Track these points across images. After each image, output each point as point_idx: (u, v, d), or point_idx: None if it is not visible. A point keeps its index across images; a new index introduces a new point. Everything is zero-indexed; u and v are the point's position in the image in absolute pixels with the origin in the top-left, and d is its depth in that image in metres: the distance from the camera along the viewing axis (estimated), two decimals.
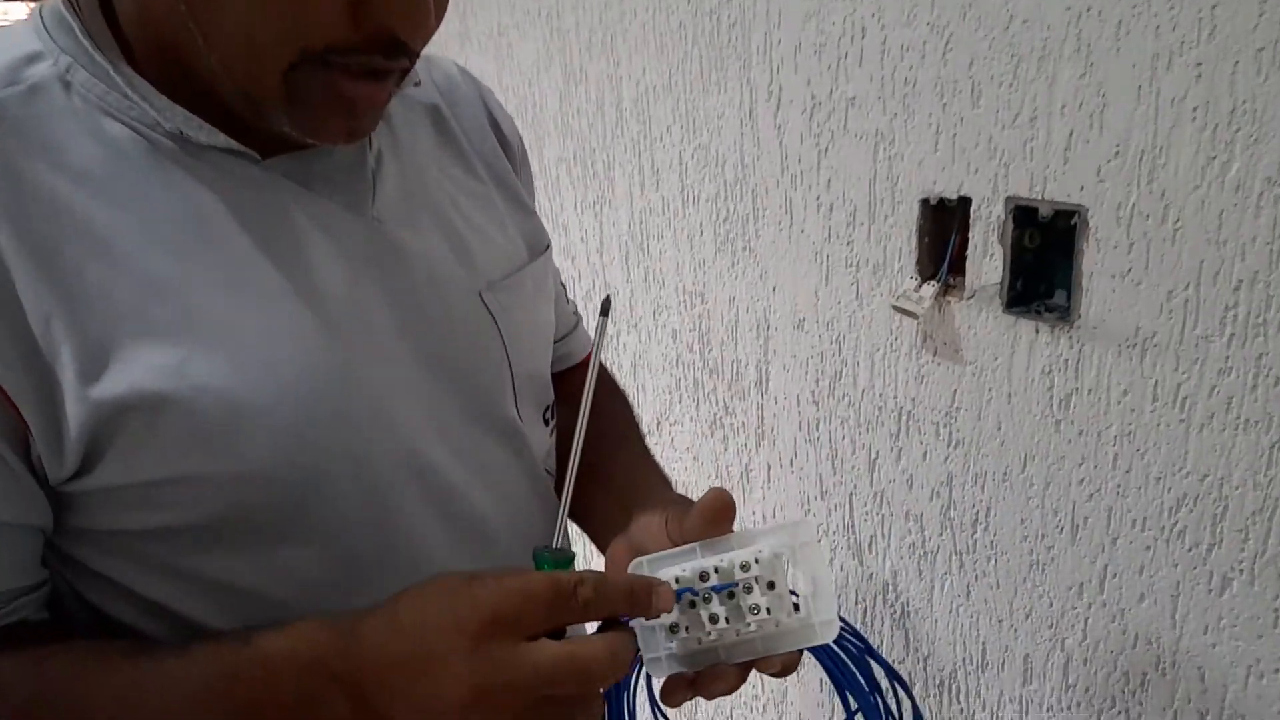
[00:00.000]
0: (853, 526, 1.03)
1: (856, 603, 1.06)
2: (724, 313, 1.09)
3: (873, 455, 0.99)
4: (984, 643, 0.95)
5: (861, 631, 1.04)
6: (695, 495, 0.75)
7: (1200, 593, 0.78)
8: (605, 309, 0.54)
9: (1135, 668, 0.85)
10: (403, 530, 0.53)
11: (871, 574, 1.04)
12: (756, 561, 0.48)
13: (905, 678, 1.04)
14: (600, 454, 0.69)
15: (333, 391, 0.49)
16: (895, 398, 0.94)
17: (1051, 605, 0.89)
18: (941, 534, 0.95)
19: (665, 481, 0.67)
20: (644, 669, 0.51)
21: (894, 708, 0.54)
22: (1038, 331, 0.82)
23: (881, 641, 1.04)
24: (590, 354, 0.77)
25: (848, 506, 1.03)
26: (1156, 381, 0.76)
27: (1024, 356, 0.83)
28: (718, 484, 1.18)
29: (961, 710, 1.01)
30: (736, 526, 0.52)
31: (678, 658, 0.50)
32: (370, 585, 0.53)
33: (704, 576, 0.49)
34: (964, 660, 0.98)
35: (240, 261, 0.49)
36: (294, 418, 0.47)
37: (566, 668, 0.42)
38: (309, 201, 0.52)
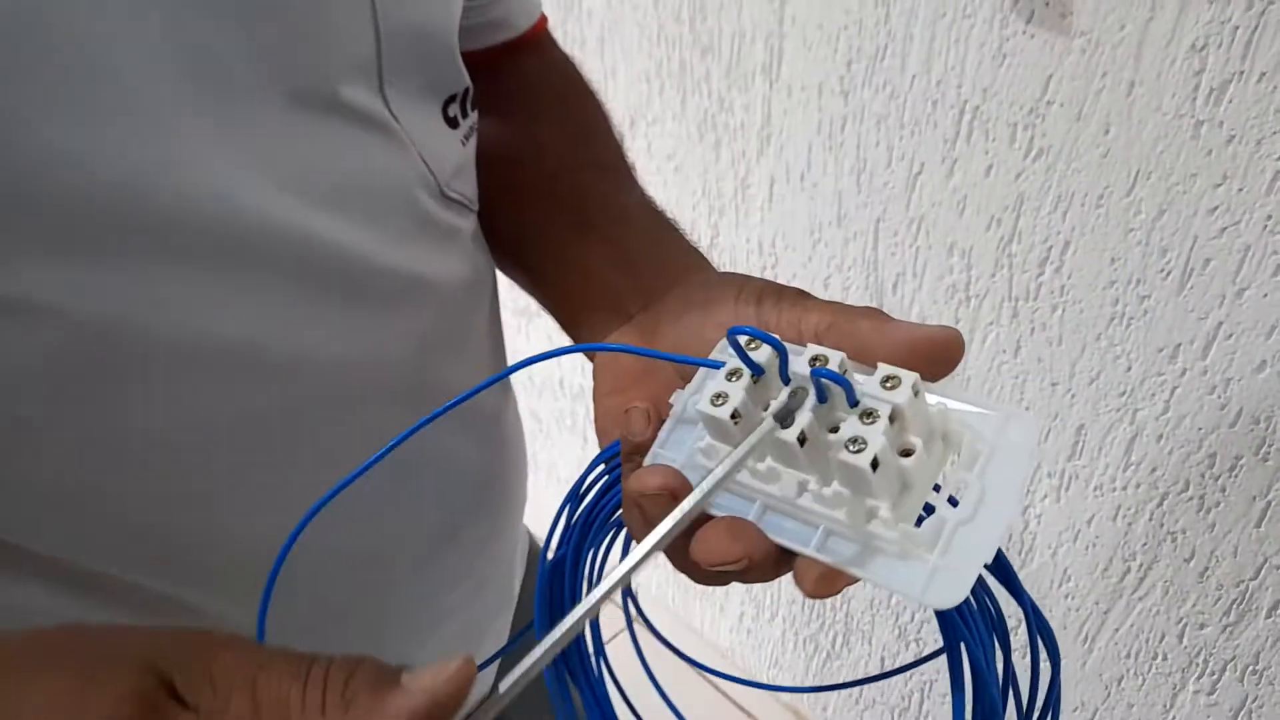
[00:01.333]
0: (875, 262, 0.81)
1: None
2: None
3: (915, 168, 0.74)
4: (1028, 406, 0.77)
5: None
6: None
7: None
8: None
9: (1227, 450, 0.67)
10: (174, 302, 0.30)
11: None
12: (915, 391, 0.27)
13: None
14: (593, 192, 0.44)
15: None
16: (960, 87, 0.68)
17: (1130, 369, 0.69)
18: (995, 274, 0.73)
19: (698, 251, 0.43)
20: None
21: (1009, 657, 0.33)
22: None
23: None
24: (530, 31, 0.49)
25: (872, 235, 0.80)
26: None
27: (1168, 22, 0.57)
28: (703, 201, 0.94)
29: None
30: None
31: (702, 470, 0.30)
32: (124, 380, 0.31)
33: (817, 360, 0.28)
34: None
35: None
36: None
37: None
38: None
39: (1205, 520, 0.70)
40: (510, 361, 0.49)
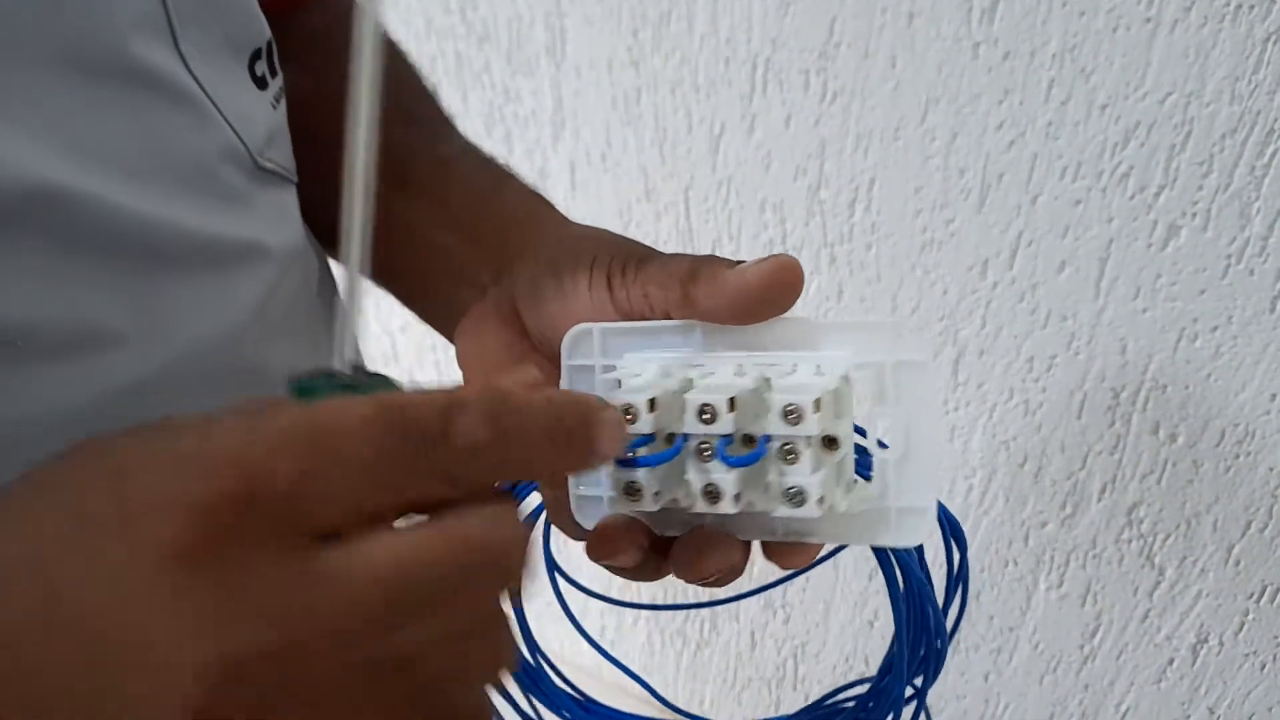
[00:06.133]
0: (690, 231, 0.80)
1: None
2: None
3: (716, 130, 0.74)
4: None
5: None
6: None
7: (1138, 249, 0.64)
8: None
9: (1042, 351, 0.71)
10: None
11: None
12: (816, 407, 0.25)
13: None
14: (402, 146, 0.39)
15: None
16: (749, 42, 0.69)
17: (946, 292, 0.72)
18: (808, 223, 0.75)
19: (542, 200, 0.40)
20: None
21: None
22: None
23: None
24: None
25: (683, 205, 0.79)
26: None
27: None
28: None
29: None
30: None
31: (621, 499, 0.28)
32: None
33: (705, 412, 0.25)
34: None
35: None
36: None
37: (423, 575, 0.19)
38: None
39: (1032, 422, 0.75)
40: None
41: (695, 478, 0.26)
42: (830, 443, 0.26)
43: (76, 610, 0.16)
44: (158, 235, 0.28)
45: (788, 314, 0.28)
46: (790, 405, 0.24)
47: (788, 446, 0.25)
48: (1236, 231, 0.60)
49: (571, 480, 0.29)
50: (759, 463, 0.26)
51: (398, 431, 0.19)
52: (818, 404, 0.24)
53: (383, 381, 0.21)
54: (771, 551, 0.28)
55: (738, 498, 0.26)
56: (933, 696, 0.43)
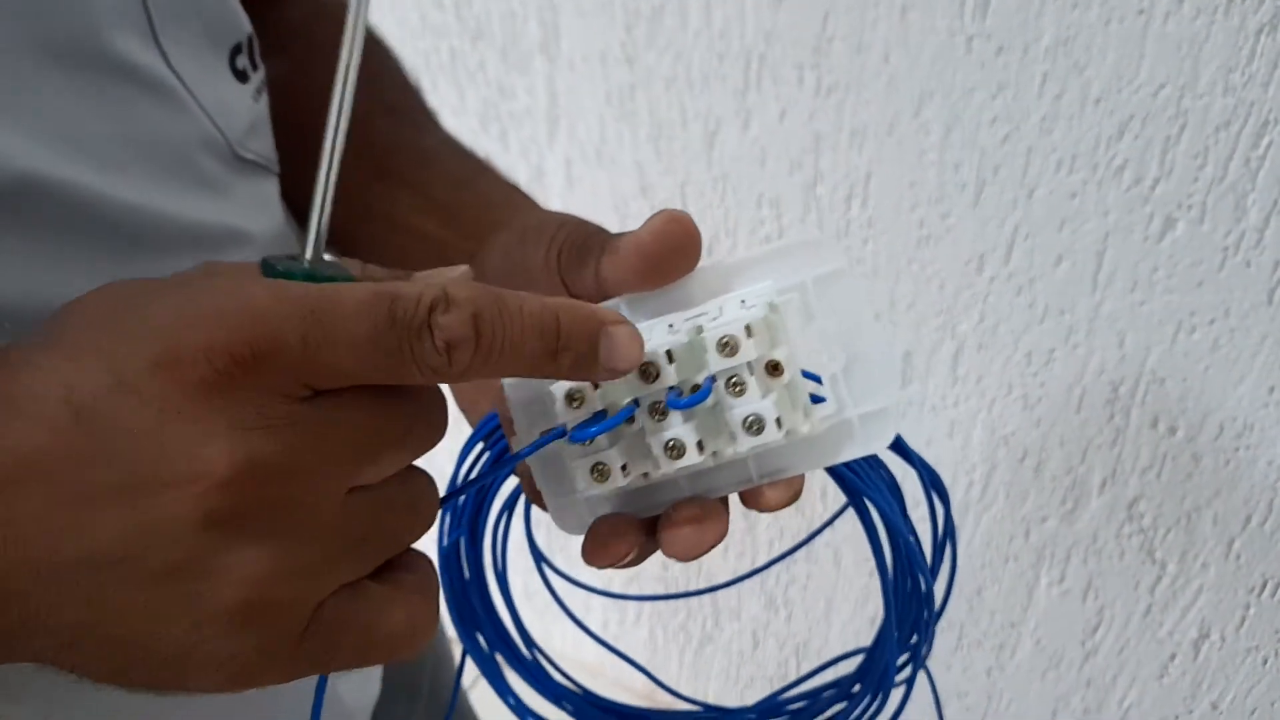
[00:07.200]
0: None
1: None
2: None
3: (711, 126, 0.74)
4: None
5: None
6: None
7: (1134, 241, 0.63)
8: None
9: (1040, 345, 0.71)
10: None
11: None
12: (748, 332, 0.25)
13: None
14: (385, 137, 0.40)
15: None
16: (742, 37, 0.69)
17: (943, 287, 0.72)
18: (805, 218, 0.75)
19: (519, 189, 0.40)
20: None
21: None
22: None
23: None
24: None
25: (679, 201, 0.79)
26: None
27: None
28: None
29: None
30: None
31: (607, 498, 0.29)
32: None
33: (647, 373, 0.26)
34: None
35: None
36: None
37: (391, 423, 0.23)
38: None
39: (1031, 417, 0.75)
40: None
41: (656, 440, 0.26)
42: (774, 368, 0.26)
43: (108, 424, 0.19)
44: (139, 222, 0.29)
45: (702, 264, 0.28)
46: (724, 337, 0.25)
47: (733, 379, 0.26)
48: (1232, 224, 0.60)
49: (546, 494, 0.29)
50: (714, 409, 0.26)
51: (385, 319, 0.21)
52: (749, 329, 0.25)
53: (342, 272, 0.24)
54: (755, 498, 0.28)
55: (701, 446, 0.26)
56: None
